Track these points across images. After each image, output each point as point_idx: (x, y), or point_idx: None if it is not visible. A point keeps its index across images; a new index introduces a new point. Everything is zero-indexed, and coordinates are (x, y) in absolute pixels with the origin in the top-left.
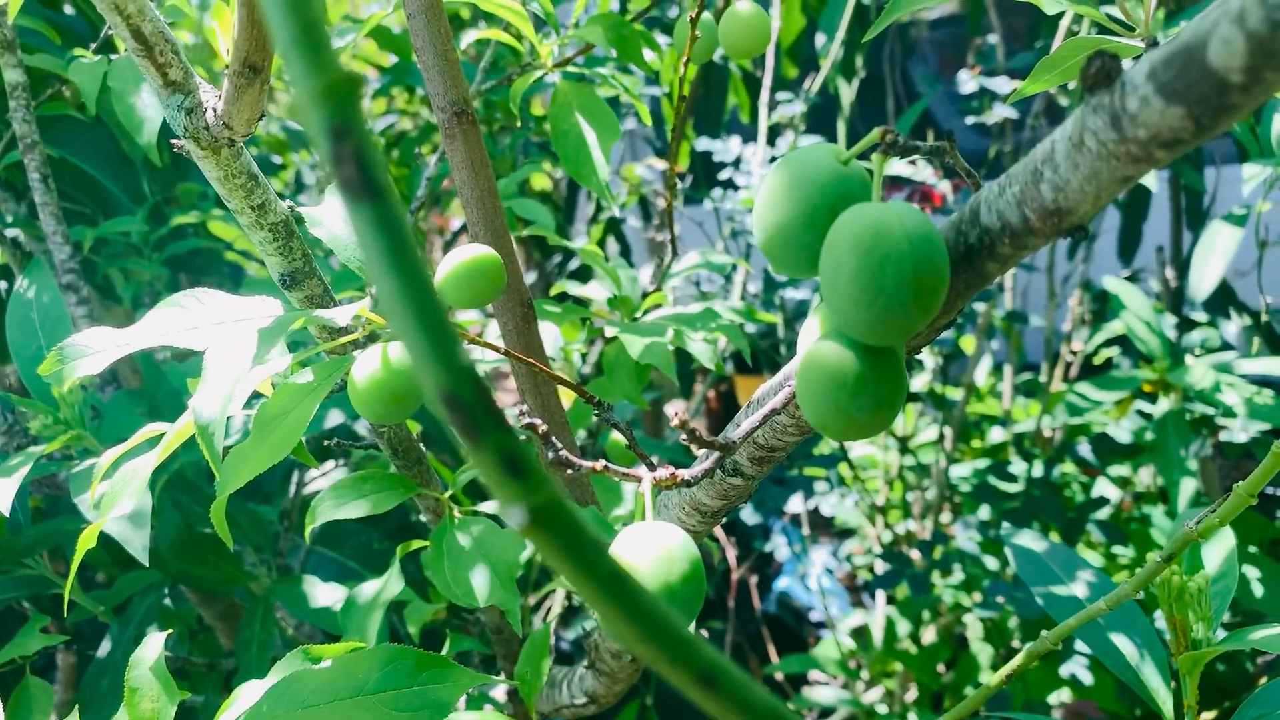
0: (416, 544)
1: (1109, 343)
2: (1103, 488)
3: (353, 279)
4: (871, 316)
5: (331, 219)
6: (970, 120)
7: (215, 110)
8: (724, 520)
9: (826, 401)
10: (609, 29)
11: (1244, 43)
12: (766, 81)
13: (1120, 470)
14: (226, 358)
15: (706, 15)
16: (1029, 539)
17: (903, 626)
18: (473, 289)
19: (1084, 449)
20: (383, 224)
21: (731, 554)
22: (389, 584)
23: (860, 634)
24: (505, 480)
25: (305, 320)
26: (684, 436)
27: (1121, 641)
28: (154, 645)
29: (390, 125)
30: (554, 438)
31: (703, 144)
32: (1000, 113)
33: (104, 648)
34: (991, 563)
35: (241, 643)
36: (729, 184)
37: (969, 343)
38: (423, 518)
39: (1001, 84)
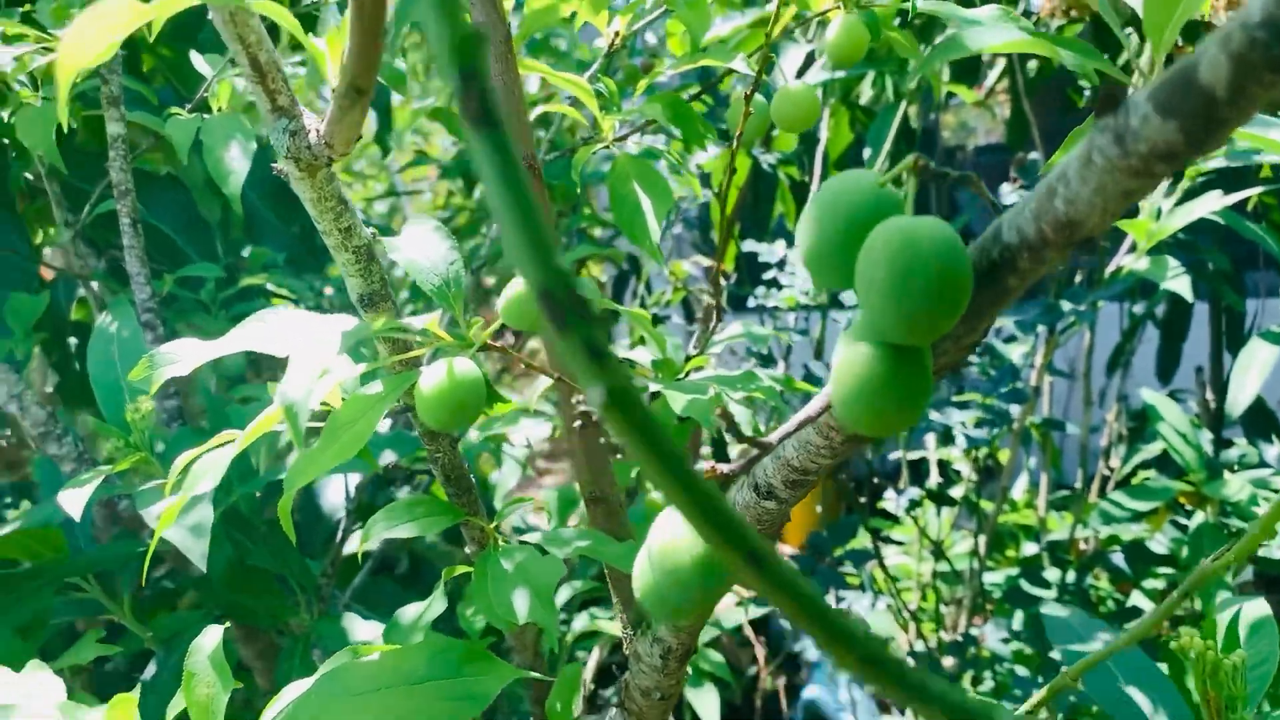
0: (461, 569)
1: (1146, 465)
2: (1137, 600)
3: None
4: (901, 315)
5: (408, 246)
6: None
7: (317, 131)
8: None
9: (858, 397)
10: (668, 106)
11: (1228, 61)
12: (814, 188)
13: (1155, 584)
14: (311, 351)
15: (759, 98)
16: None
17: None
18: (530, 313)
19: (1118, 558)
20: (499, 148)
21: (761, 653)
22: (433, 605)
23: None
24: (589, 364)
25: (380, 331)
26: (724, 426)
27: (1134, 692)
28: (212, 636)
29: (449, 217)
30: (598, 476)
31: (749, 245)
32: None
33: (149, 671)
34: (1023, 672)
35: (280, 677)
36: (773, 283)
37: (1005, 455)
38: (466, 549)
39: None
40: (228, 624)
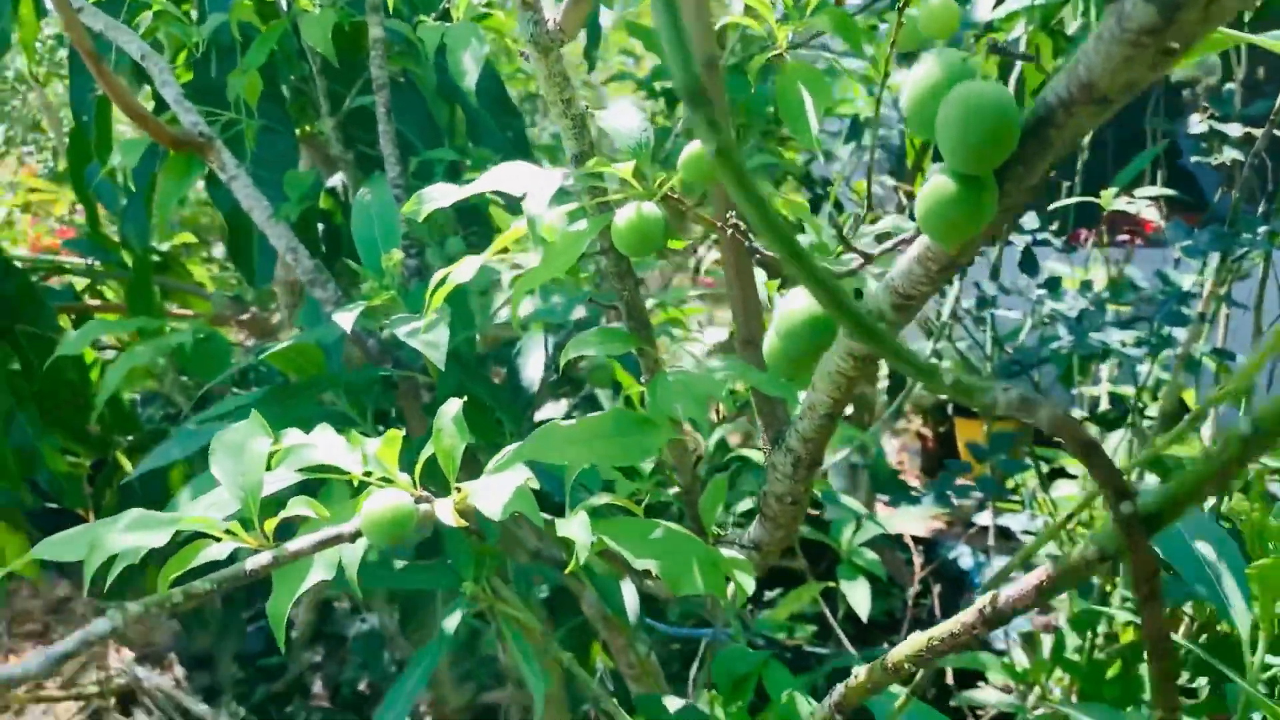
0: (635, 387)
1: None
2: None
3: None
4: (967, 149)
5: (612, 117)
6: (1195, 160)
7: (555, 21)
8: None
9: (934, 211)
10: (834, 19)
11: None
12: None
13: None
14: (544, 183)
15: (911, 10)
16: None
17: (1073, 640)
18: (703, 167)
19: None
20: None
21: (918, 560)
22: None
23: (1029, 641)
24: (710, 129)
25: (590, 172)
26: (843, 248)
27: (1202, 546)
28: (454, 405)
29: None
30: (750, 323)
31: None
32: (1229, 154)
33: None
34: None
35: None
36: None
37: (1189, 395)
38: (642, 379)
39: (1234, 129)
40: (465, 398)
